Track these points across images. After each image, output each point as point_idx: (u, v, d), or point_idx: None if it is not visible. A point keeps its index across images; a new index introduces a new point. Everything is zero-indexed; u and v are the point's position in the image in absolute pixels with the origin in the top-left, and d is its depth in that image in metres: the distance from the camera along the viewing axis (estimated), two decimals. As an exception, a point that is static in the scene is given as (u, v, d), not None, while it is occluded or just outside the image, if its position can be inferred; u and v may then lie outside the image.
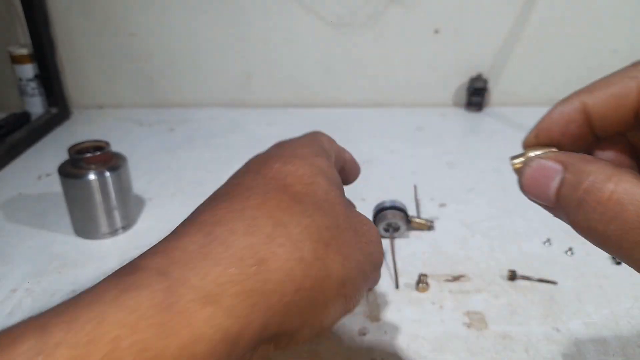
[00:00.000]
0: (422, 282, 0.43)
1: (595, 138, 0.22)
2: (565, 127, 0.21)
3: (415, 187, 0.60)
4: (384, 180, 0.62)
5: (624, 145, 0.22)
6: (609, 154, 0.22)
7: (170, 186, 0.62)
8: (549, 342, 0.37)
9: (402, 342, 0.37)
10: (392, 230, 0.48)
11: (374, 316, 0.40)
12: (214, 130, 0.80)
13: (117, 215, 0.51)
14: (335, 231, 0.22)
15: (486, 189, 0.60)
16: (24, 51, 0.78)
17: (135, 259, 0.19)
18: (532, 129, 0.23)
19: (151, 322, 0.16)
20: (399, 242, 0.49)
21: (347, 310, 0.23)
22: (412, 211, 0.53)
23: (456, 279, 0.44)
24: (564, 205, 0.19)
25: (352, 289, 0.23)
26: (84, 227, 0.51)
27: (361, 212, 0.27)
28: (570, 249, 0.47)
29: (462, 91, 0.86)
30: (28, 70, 0.79)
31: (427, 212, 0.55)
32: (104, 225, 0.50)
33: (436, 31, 0.82)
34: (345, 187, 0.29)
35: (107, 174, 0.49)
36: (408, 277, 0.44)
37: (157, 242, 0.20)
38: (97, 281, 0.18)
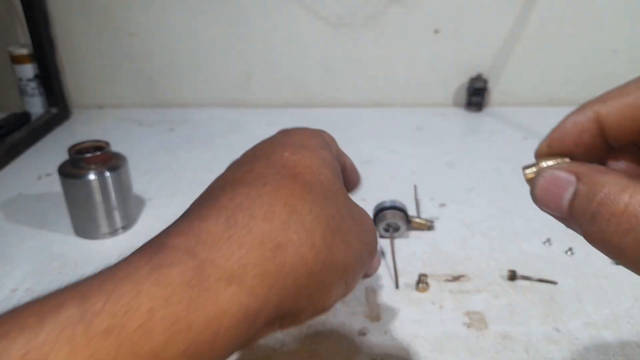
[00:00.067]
0: (422, 282, 0.43)
1: (608, 148, 0.22)
2: (579, 136, 0.21)
3: (415, 187, 0.60)
4: (384, 180, 0.62)
5: (637, 155, 0.22)
6: (622, 164, 0.22)
7: (170, 186, 0.62)
8: (549, 342, 0.37)
9: (402, 342, 0.37)
10: (392, 230, 0.48)
11: (374, 316, 0.40)
12: (214, 130, 0.80)
13: (117, 215, 0.51)
14: (339, 220, 0.24)
15: (486, 189, 0.60)
16: (24, 51, 0.78)
17: (160, 236, 0.21)
18: (544, 139, 0.22)
19: (182, 297, 0.18)
20: (399, 242, 0.49)
21: (346, 293, 0.25)
22: (412, 211, 0.53)
23: (456, 279, 0.44)
24: (577, 216, 0.19)
25: (352, 274, 0.25)
26: (84, 227, 0.51)
27: (361, 212, 0.27)
28: (570, 249, 0.47)
29: (462, 91, 0.86)
30: (28, 70, 0.79)
31: (427, 212, 0.55)
32: (104, 225, 0.51)
33: (436, 31, 0.82)
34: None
35: (107, 174, 0.49)
36: (408, 277, 0.44)
37: (177, 221, 0.22)
38: None
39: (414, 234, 0.51)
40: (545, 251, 0.48)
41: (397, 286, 0.43)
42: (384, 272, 0.45)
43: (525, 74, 0.85)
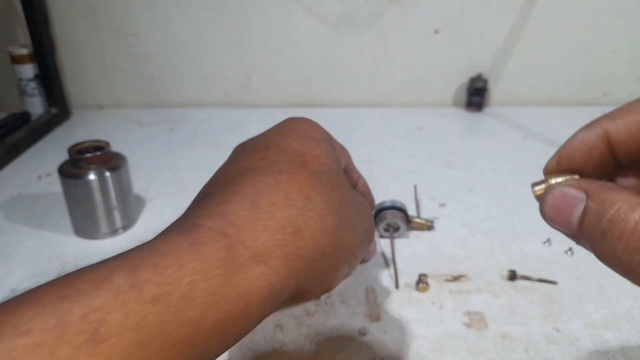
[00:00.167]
0: (422, 282, 0.43)
1: (617, 164, 0.22)
2: (588, 153, 0.21)
3: (415, 187, 0.60)
4: (384, 180, 0.62)
5: None
6: (631, 181, 0.22)
7: (170, 186, 0.62)
8: (549, 342, 0.37)
9: (402, 342, 0.37)
10: (392, 230, 0.48)
11: (374, 316, 0.40)
12: (214, 130, 0.80)
13: (117, 215, 0.51)
14: (345, 208, 0.26)
15: (486, 189, 0.60)
16: (24, 51, 0.78)
17: (190, 218, 0.22)
18: (553, 155, 0.22)
19: (218, 272, 0.20)
20: (399, 242, 0.49)
21: (349, 274, 0.28)
22: (412, 211, 0.53)
23: (456, 279, 0.44)
24: (587, 234, 0.19)
25: (355, 257, 0.27)
26: (84, 227, 0.51)
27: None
28: (570, 249, 0.47)
29: (462, 91, 0.86)
30: (28, 70, 0.79)
31: (427, 212, 0.55)
32: (104, 225, 0.51)
33: (436, 31, 0.82)
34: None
35: (107, 174, 0.49)
36: (408, 277, 0.44)
37: (200, 204, 0.24)
38: None
39: (414, 234, 0.51)
40: (545, 251, 0.48)
41: (397, 286, 0.43)
42: (384, 272, 0.45)
43: (525, 74, 0.85)
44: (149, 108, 0.89)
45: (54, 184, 0.60)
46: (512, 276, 0.44)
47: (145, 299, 0.18)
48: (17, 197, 0.60)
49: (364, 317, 0.40)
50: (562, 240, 0.48)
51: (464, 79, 0.85)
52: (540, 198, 0.22)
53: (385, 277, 0.45)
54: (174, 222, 0.23)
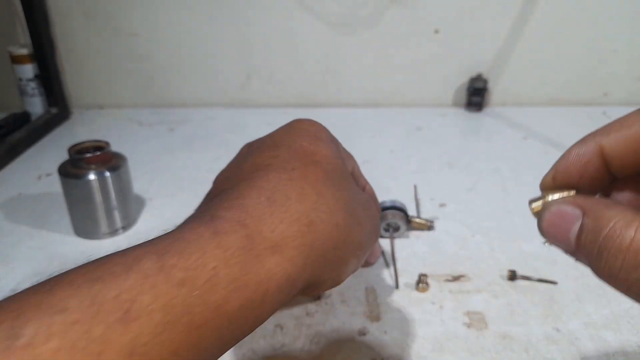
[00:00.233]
0: (422, 282, 0.43)
1: (612, 178, 0.22)
2: (583, 169, 0.21)
3: (415, 187, 0.60)
4: (384, 180, 0.62)
5: None
6: (627, 194, 0.22)
7: (170, 186, 0.62)
8: (549, 342, 0.37)
9: (402, 342, 0.37)
10: (392, 230, 0.48)
11: (374, 316, 0.40)
12: (214, 130, 0.80)
13: (117, 215, 0.51)
14: (354, 204, 0.28)
15: (486, 189, 0.60)
16: (24, 51, 0.78)
17: (208, 210, 0.23)
18: (549, 171, 0.23)
19: (238, 260, 0.21)
20: (399, 242, 0.49)
21: (355, 269, 0.29)
22: (412, 211, 0.53)
23: (456, 279, 0.44)
24: (584, 251, 0.19)
25: (363, 251, 0.29)
26: (84, 227, 0.51)
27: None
28: (570, 249, 0.47)
29: (462, 91, 0.86)
30: (28, 70, 0.79)
31: (427, 212, 0.55)
32: (104, 225, 0.51)
33: (436, 31, 0.82)
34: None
35: (107, 174, 0.49)
36: (408, 277, 0.44)
37: (217, 198, 0.25)
38: None
39: (414, 234, 0.51)
40: (545, 251, 0.48)
41: (397, 286, 0.43)
42: (384, 272, 0.45)
43: (525, 74, 0.85)
44: (149, 108, 0.89)
45: (54, 184, 0.60)
46: (512, 276, 0.44)
47: (172, 282, 0.19)
48: (17, 197, 0.60)
49: (364, 317, 0.40)
50: (562, 240, 0.48)
51: (464, 79, 0.85)
52: (537, 214, 0.22)
53: (385, 277, 0.45)
54: (192, 215, 0.25)
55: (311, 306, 0.41)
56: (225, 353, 0.22)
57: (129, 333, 0.17)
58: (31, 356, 0.16)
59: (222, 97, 0.89)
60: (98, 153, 0.48)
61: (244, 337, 0.22)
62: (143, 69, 0.87)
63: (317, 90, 0.88)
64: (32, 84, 0.80)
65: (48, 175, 0.65)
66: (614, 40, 0.81)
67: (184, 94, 0.89)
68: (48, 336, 0.16)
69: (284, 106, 0.89)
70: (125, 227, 0.52)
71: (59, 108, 0.83)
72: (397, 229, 0.48)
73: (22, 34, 0.83)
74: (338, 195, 0.26)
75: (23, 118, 0.77)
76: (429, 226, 0.51)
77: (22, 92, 0.81)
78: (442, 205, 0.56)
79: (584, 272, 0.44)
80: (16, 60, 0.79)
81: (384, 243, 0.48)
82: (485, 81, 0.83)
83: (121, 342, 0.17)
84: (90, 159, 0.48)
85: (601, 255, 0.18)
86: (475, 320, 0.39)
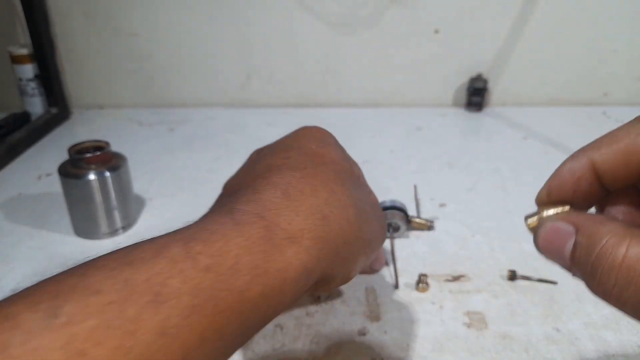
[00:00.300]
0: (422, 282, 0.43)
1: (606, 191, 0.22)
2: (576, 184, 0.22)
3: (415, 187, 0.60)
4: (384, 180, 0.62)
5: (635, 198, 0.22)
6: (621, 207, 0.23)
7: (170, 186, 0.62)
8: (549, 342, 0.37)
9: (402, 342, 0.37)
10: (392, 230, 0.48)
11: (374, 316, 0.40)
12: (214, 130, 0.80)
13: (117, 215, 0.51)
14: (364, 203, 0.29)
15: (486, 189, 0.60)
16: (24, 51, 0.78)
17: (227, 204, 0.25)
18: (543, 186, 0.23)
19: (259, 249, 0.22)
20: (399, 242, 0.49)
21: (363, 266, 0.30)
22: (412, 211, 0.53)
23: (456, 279, 0.44)
24: (578, 268, 0.19)
25: (371, 250, 0.30)
26: (84, 227, 0.51)
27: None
28: (570, 249, 0.47)
29: (462, 91, 0.86)
30: (28, 70, 0.79)
31: (427, 212, 0.55)
32: (104, 225, 0.51)
33: (436, 31, 0.82)
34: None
35: (107, 174, 0.49)
36: (408, 277, 0.44)
37: (233, 195, 0.26)
38: None
39: (414, 234, 0.51)
40: (545, 251, 0.48)
41: (397, 286, 0.43)
42: (384, 272, 0.45)
43: (525, 74, 0.85)
44: (149, 108, 0.89)
45: (54, 184, 0.60)
46: (512, 276, 0.44)
47: (199, 267, 0.20)
48: (17, 197, 0.60)
49: (364, 317, 0.40)
50: (562, 240, 0.48)
51: (464, 79, 0.85)
52: (533, 230, 0.22)
53: (386, 277, 0.45)
54: (211, 210, 0.26)
55: (311, 306, 0.41)
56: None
57: (159, 314, 0.18)
58: (70, 334, 0.16)
59: (222, 97, 0.89)
60: (98, 153, 0.48)
61: (264, 326, 0.23)
62: (143, 69, 0.87)
63: (317, 90, 0.88)
64: (32, 84, 0.80)
65: (48, 175, 0.65)
66: (614, 40, 0.81)
67: (184, 94, 0.89)
68: (85, 315, 0.17)
69: (284, 106, 0.89)
70: (125, 227, 0.52)
71: (59, 108, 0.83)
72: (397, 229, 0.48)
73: (22, 34, 0.83)
74: (348, 193, 0.27)
75: (23, 118, 0.77)
76: (429, 226, 0.51)
77: (22, 92, 0.81)
78: (442, 205, 0.56)
79: (584, 272, 0.44)
80: (16, 60, 0.79)
81: (384, 243, 0.48)
82: (485, 81, 0.83)
83: (153, 322, 0.18)
84: (90, 159, 0.48)
85: (595, 273, 0.18)
86: (475, 320, 0.39)
